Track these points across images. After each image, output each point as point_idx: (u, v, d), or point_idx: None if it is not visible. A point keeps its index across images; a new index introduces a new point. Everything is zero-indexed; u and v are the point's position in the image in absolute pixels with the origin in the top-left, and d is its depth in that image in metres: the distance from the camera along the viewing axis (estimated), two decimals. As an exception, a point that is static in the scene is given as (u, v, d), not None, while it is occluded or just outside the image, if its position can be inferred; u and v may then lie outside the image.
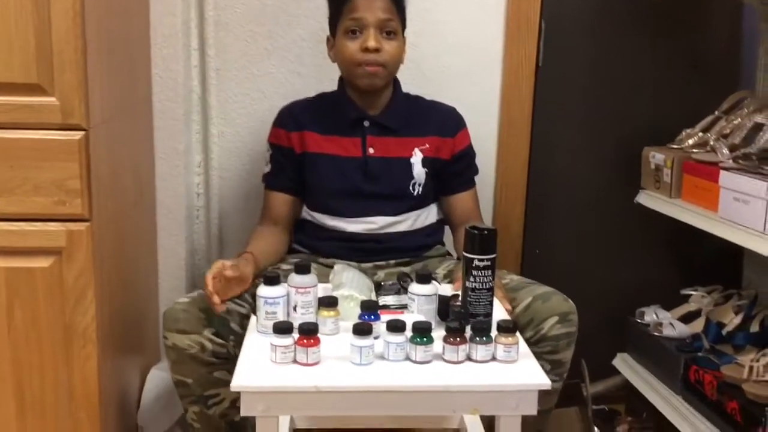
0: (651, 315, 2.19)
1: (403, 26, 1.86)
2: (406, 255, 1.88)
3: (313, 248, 1.89)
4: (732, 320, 2.07)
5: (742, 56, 2.35)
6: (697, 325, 2.11)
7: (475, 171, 1.98)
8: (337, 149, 1.85)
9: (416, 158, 1.86)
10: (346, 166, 1.84)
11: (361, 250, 1.85)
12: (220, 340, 1.56)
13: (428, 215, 1.92)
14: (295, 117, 1.88)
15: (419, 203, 1.89)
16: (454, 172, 1.91)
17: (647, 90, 2.34)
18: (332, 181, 1.84)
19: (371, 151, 1.85)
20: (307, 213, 1.90)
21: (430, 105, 1.96)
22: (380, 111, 1.87)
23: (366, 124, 1.86)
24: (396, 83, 1.91)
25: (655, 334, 2.13)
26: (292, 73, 2.17)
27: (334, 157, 1.84)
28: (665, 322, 2.13)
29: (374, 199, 1.84)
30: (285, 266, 1.81)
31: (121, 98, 1.77)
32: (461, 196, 1.93)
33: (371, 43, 1.75)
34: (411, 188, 1.86)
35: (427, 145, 1.87)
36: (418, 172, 1.86)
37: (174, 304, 1.61)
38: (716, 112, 2.14)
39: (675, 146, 2.14)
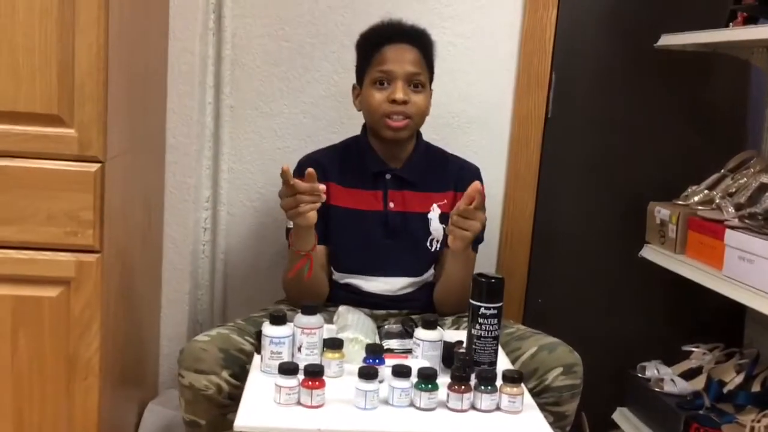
0: (652, 370, 2.18)
1: (431, 78, 1.85)
2: (419, 307, 1.86)
3: (327, 299, 1.85)
4: (733, 379, 2.06)
5: (749, 116, 2.37)
6: (699, 383, 2.10)
7: (480, 237, 1.83)
8: (359, 203, 1.83)
9: (434, 214, 1.83)
10: (367, 220, 1.82)
11: (374, 305, 1.83)
12: (236, 382, 1.54)
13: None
14: (322, 167, 1.80)
15: (436, 260, 1.87)
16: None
17: (654, 146, 2.36)
18: (353, 236, 1.81)
19: (391, 205, 1.83)
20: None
21: (451, 159, 1.93)
22: (402, 164, 1.85)
23: (387, 177, 1.84)
24: (418, 134, 1.89)
25: (656, 389, 2.11)
26: (305, 115, 2.20)
27: (355, 212, 1.82)
28: (666, 377, 2.12)
29: (393, 254, 1.82)
30: (287, 308, 1.80)
31: (137, 132, 1.79)
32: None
33: (399, 96, 1.75)
34: (429, 244, 1.84)
35: (445, 201, 1.84)
36: (436, 227, 1.83)
37: (192, 342, 1.60)
38: (722, 171, 2.16)
39: (680, 202, 2.16)
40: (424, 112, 1.82)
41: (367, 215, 1.82)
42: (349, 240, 1.82)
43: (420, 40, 1.83)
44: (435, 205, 1.84)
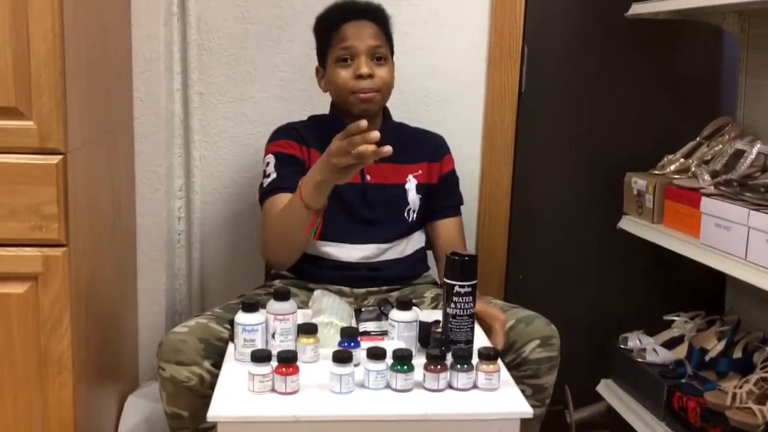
0: (634, 340, 2.18)
1: (392, 51, 1.88)
2: (398, 282, 1.87)
3: (305, 274, 1.85)
4: (715, 346, 2.06)
5: (723, 83, 2.36)
6: (680, 351, 2.10)
7: (460, 199, 1.96)
8: None
9: (410, 184, 1.87)
10: (345, 192, 1.79)
11: (353, 279, 1.83)
12: (218, 371, 1.49)
13: (417, 241, 1.92)
14: (300, 134, 1.85)
15: (411, 229, 1.89)
16: (439, 195, 1.91)
17: (629, 116, 2.35)
18: (333, 205, 1.76)
19: (368, 177, 1.84)
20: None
21: (418, 132, 1.98)
22: None
23: None
24: (386, 111, 1.92)
25: (639, 359, 2.12)
26: (276, 98, 2.17)
27: None
28: (648, 347, 2.12)
29: (371, 225, 1.84)
30: (264, 293, 1.79)
31: (101, 122, 1.76)
32: (446, 223, 1.91)
33: (364, 70, 1.76)
34: (406, 214, 1.87)
35: (420, 171, 1.88)
36: (413, 198, 1.87)
37: (171, 333, 1.57)
38: (698, 139, 2.15)
39: (657, 172, 2.15)
40: (390, 84, 1.84)
41: (346, 186, 1.77)
42: (330, 208, 1.75)
43: (377, 15, 1.85)
44: (411, 176, 1.87)
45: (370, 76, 1.77)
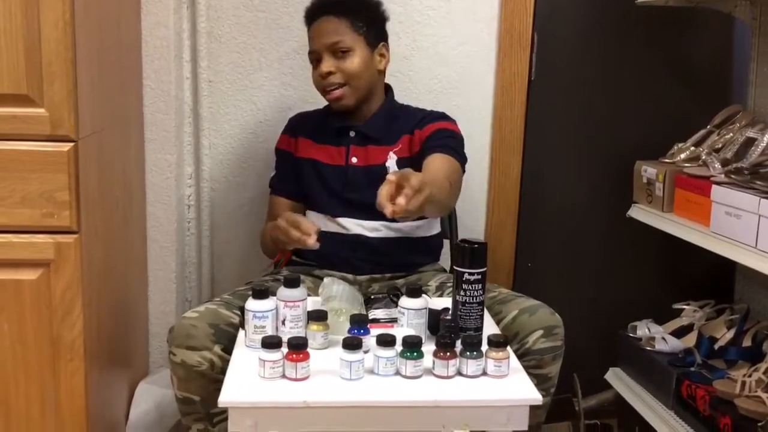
0: (643, 329, 2.18)
1: (368, 38, 1.84)
2: (401, 268, 1.88)
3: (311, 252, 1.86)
4: (724, 335, 2.06)
5: (734, 71, 2.35)
6: (690, 340, 2.10)
7: (456, 150, 1.84)
8: (324, 157, 1.90)
9: (391, 161, 1.87)
10: (328, 173, 1.88)
11: (357, 259, 1.85)
12: (228, 356, 1.51)
13: (427, 228, 1.92)
14: (295, 123, 1.98)
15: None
16: (425, 148, 1.84)
17: (639, 104, 2.34)
18: (318, 185, 1.88)
19: (354, 160, 1.88)
20: (308, 215, 1.91)
21: (414, 111, 1.96)
22: (365, 121, 1.90)
23: (351, 134, 1.89)
24: (388, 93, 1.93)
25: (648, 348, 2.12)
26: (284, 86, 2.17)
27: (317, 163, 1.89)
28: (657, 336, 2.12)
29: (360, 204, 1.84)
30: (271, 279, 1.80)
31: (111, 109, 1.76)
32: (429, 159, 1.78)
33: (322, 70, 1.82)
34: None
35: (400, 146, 1.88)
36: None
37: (181, 319, 1.58)
38: (708, 127, 2.14)
39: (667, 160, 2.14)
40: (362, 72, 1.83)
41: (328, 168, 1.89)
42: (317, 189, 1.89)
43: (337, 7, 1.84)
44: (391, 153, 1.88)
45: (330, 73, 1.81)
